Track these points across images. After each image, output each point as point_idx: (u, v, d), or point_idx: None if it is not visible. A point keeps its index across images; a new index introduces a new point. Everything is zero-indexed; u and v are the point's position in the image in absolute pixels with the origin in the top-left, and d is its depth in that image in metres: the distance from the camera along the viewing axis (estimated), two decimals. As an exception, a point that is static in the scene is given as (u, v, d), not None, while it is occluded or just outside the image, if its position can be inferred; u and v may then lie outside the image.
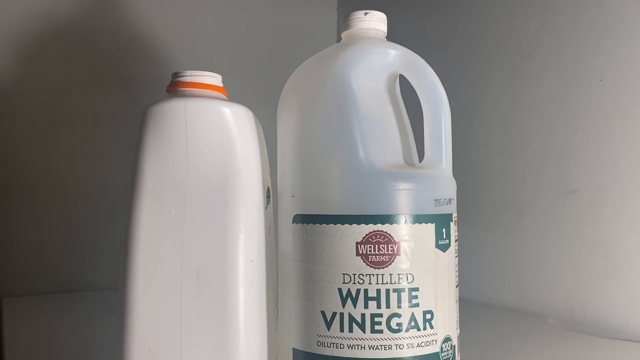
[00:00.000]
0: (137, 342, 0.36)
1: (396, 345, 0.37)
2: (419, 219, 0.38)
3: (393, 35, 0.44)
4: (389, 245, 0.37)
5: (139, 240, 0.37)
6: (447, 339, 0.39)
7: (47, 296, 0.80)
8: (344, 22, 0.43)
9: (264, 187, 0.40)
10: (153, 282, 0.37)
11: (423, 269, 0.38)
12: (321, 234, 0.38)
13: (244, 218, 0.38)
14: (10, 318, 0.68)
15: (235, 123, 0.38)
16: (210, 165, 0.37)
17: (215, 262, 0.37)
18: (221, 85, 0.41)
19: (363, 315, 0.37)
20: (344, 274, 0.37)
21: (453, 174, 0.42)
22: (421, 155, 0.41)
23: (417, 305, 0.37)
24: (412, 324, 0.37)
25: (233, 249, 0.37)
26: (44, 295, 0.81)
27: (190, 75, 0.39)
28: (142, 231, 0.37)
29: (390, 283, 0.37)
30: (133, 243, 0.37)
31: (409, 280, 0.37)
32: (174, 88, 0.39)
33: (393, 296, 0.37)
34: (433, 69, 0.42)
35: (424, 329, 0.37)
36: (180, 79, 0.39)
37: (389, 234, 0.37)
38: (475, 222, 0.76)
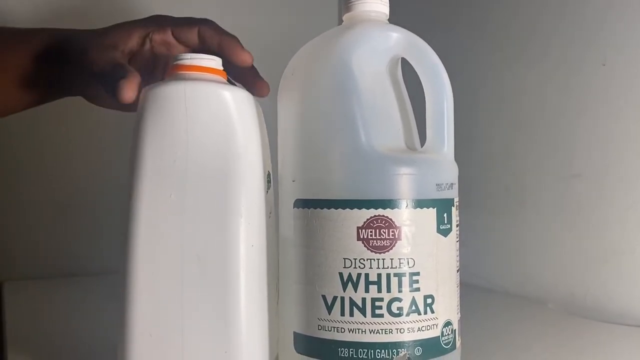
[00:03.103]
0: (139, 327, 0.36)
1: (397, 329, 0.37)
2: (420, 203, 0.37)
3: (395, 18, 0.43)
4: (390, 230, 0.37)
5: (139, 224, 0.37)
6: (448, 324, 0.39)
7: (49, 280, 0.81)
8: (345, 4, 0.42)
9: (264, 172, 0.40)
10: (154, 266, 0.37)
11: (424, 253, 0.38)
12: (322, 219, 0.38)
13: (244, 202, 0.38)
14: (12, 302, 0.69)
15: (235, 107, 0.38)
16: (210, 149, 0.37)
17: (216, 246, 0.37)
18: (221, 68, 0.40)
19: (364, 300, 0.37)
20: (344, 259, 0.37)
21: (455, 158, 0.42)
22: (423, 140, 0.41)
23: (417, 289, 0.37)
24: (413, 308, 0.37)
25: (234, 233, 0.37)
26: (45, 279, 0.81)
27: (190, 59, 0.39)
28: (143, 215, 0.37)
29: (391, 267, 0.37)
30: (134, 227, 0.37)
31: (410, 265, 0.37)
32: (174, 71, 0.39)
33: (394, 281, 0.37)
34: (436, 52, 0.41)
35: (425, 313, 0.37)
36: (179, 62, 0.39)
37: (390, 219, 0.37)
38: (478, 207, 0.76)
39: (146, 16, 0.47)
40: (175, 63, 0.39)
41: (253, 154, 0.39)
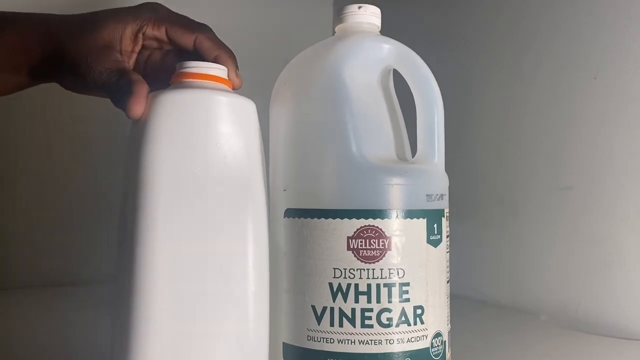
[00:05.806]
0: (159, 339, 0.34)
1: (386, 340, 0.37)
2: (410, 214, 0.37)
3: (388, 30, 0.44)
4: (380, 240, 0.37)
5: (158, 234, 0.35)
6: (438, 335, 0.39)
7: (37, 289, 0.80)
8: (337, 15, 0.42)
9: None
10: (176, 276, 0.35)
11: (414, 264, 0.38)
12: (312, 228, 0.38)
13: (261, 211, 0.37)
14: (2, 312, 0.68)
15: (252, 117, 0.38)
16: (229, 158, 0.36)
17: (239, 256, 0.36)
18: (227, 77, 0.40)
19: (353, 310, 0.37)
20: (334, 269, 0.37)
21: (447, 169, 0.42)
22: (414, 150, 0.41)
23: (407, 300, 0.37)
24: (403, 319, 0.37)
25: (255, 243, 0.37)
26: (33, 288, 0.80)
27: (200, 67, 0.38)
28: (161, 226, 0.35)
29: (381, 278, 0.37)
30: (151, 237, 0.35)
31: (400, 275, 0.37)
32: (181, 78, 0.38)
33: (384, 291, 0.37)
34: (427, 64, 0.41)
35: (415, 324, 0.37)
36: (188, 69, 0.38)
37: (380, 229, 0.37)
38: (469, 218, 0.76)
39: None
40: (182, 70, 0.38)
41: (262, 163, 0.39)
